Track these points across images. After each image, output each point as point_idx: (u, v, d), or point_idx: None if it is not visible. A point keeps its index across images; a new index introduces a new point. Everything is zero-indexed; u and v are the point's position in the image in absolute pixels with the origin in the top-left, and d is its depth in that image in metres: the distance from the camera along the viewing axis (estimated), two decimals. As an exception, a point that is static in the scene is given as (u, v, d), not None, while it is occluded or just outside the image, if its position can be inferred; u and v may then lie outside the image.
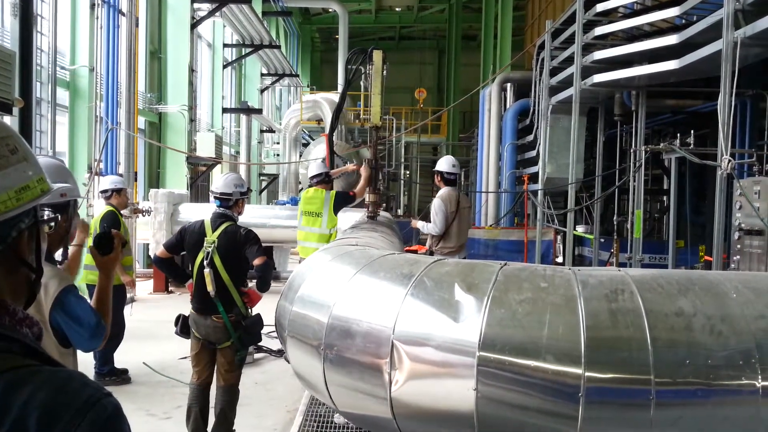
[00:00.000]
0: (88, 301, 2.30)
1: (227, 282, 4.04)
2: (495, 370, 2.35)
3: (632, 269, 2.90)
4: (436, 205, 6.16)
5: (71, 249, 2.76)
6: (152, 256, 4.62)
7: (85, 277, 5.44)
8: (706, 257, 7.63)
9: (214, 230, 4.09)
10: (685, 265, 8.21)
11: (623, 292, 2.42)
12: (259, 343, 6.59)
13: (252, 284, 4.26)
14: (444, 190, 6.27)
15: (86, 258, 5.61)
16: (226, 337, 4.07)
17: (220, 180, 4.33)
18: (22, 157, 1.00)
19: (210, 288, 4.01)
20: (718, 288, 2.48)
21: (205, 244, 4.06)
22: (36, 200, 1.01)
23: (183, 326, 4.21)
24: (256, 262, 4.09)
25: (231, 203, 4.22)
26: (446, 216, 6.11)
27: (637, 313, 2.34)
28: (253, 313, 4.21)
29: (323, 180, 6.62)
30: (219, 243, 4.05)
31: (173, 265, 4.45)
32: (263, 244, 4.27)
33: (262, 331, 4.32)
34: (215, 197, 4.24)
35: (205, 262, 4.03)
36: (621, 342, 2.31)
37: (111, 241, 2.27)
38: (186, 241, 4.20)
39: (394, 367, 2.54)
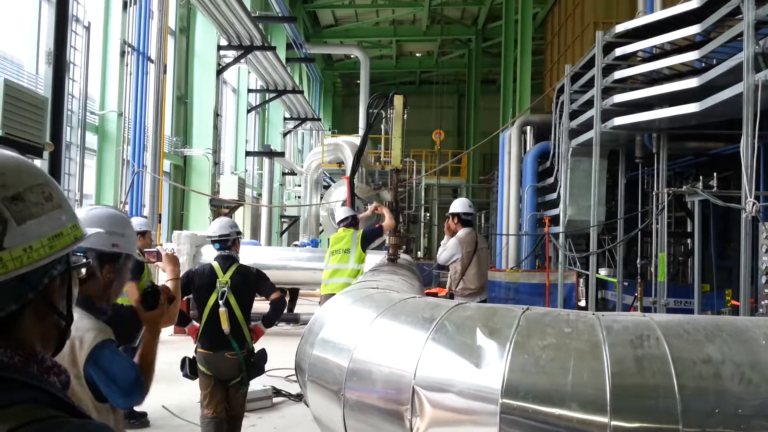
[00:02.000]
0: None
1: (240, 319, 4.27)
2: (518, 418, 2.30)
3: (657, 314, 2.84)
4: (452, 243, 6.23)
5: (170, 283, 2.77)
6: None
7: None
8: (733, 302, 7.47)
9: (224, 272, 4.32)
10: (712, 309, 8.04)
11: (649, 338, 2.38)
12: (278, 387, 6.58)
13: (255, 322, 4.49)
14: (462, 232, 6.28)
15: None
16: (237, 373, 4.27)
17: (215, 224, 4.55)
18: (57, 204, 1.00)
19: (225, 326, 4.20)
20: (746, 334, 2.42)
21: (218, 285, 4.27)
22: (69, 247, 1.01)
23: (192, 367, 4.29)
24: (273, 296, 4.36)
25: (230, 243, 4.45)
26: (455, 252, 6.19)
27: (664, 360, 2.29)
28: (257, 349, 4.42)
29: (351, 223, 6.87)
30: (232, 283, 4.29)
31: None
32: (284, 286, 4.44)
33: (266, 366, 4.52)
34: (213, 241, 4.47)
35: (220, 302, 4.22)
36: (647, 390, 2.26)
37: (157, 296, 2.19)
38: (195, 284, 4.37)
39: (416, 413, 2.51)
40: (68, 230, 1.01)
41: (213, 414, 4.28)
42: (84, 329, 2.03)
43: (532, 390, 2.31)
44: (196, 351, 4.34)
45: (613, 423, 2.19)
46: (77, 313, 1.97)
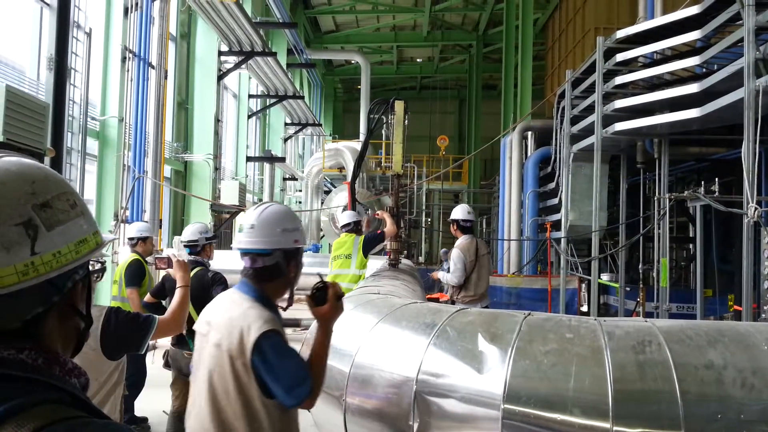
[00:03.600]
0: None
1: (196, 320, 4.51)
2: (520, 424, 2.29)
3: (659, 320, 2.84)
4: (455, 256, 6.13)
5: (179, 291, 2.88)
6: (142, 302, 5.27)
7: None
8: (736, 307, 7.45)
9: None
10: (714, 314, 8.03)
11: (651, 344, 2.37)
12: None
13: None
14: (462, 240, 6.25)
15: (113, 289, 5.89)
16: None
17: (187, 230, 4.80)
18: (80, 212, 1.06)
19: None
20: (748, 340, 2.42)
21: None
22: (92, 253, 1.06)
23: (166, 360, 4.71)
24: None
25: (199, 249, 4.72)
26: (464, 266, 6.10)
27: (666, 366, 2.28)
28: None
29: (353, 229, 6.84)
30: (191, 286, 4.49)
31: (160, 308, 4.98)
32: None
33: None
34: (184, 245, 4.73)
35: None
36: (650, 395, 2.25)
37: (326, 291, 2.15)
38: (167, 287, 4.77)
39: (417, 419, 2.50)
40: (91, 236, 1.07)
41: (176, 408, 4.55)
42: (252, 318, 2.03)
43: (534, 395, 2.31)
44: (170, 346, 4.72)
45: (615, 428, 2.19)
46: (247, 303, 2.10)
